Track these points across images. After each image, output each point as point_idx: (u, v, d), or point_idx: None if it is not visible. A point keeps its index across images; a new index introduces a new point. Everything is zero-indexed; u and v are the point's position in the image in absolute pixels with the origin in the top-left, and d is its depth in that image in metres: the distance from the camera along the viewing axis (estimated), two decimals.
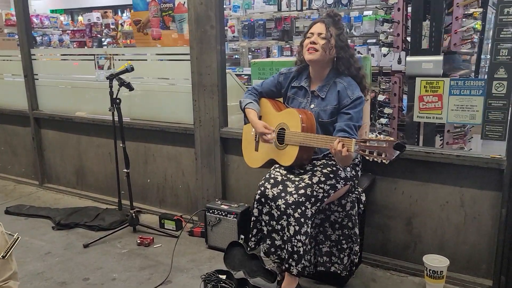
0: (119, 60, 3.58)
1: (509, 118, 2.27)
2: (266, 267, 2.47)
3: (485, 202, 2.39)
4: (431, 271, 2.37)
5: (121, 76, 3.07)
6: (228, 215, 2.93)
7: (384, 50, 2.87)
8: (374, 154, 1.89)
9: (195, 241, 3.16)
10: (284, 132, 2.33)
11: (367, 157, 1.93)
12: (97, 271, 2.77)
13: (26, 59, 4.15)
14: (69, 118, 4.02)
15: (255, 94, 2.54)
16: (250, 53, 5.76)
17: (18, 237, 1.99)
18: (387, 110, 2.84)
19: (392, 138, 1.89)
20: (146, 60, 3.59)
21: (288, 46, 4.99)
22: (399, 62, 3.29)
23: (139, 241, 3.13)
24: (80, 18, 10.10)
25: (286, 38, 4.89)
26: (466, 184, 2.43)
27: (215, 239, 3.01)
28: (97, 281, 2.65)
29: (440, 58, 2.62)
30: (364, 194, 2.43)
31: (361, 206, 2.41)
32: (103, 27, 10.19)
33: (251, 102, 2.49)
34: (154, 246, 3.10)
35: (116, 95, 3.08)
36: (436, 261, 2.40)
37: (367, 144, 1.92)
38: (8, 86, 4.51)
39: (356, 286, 2.53)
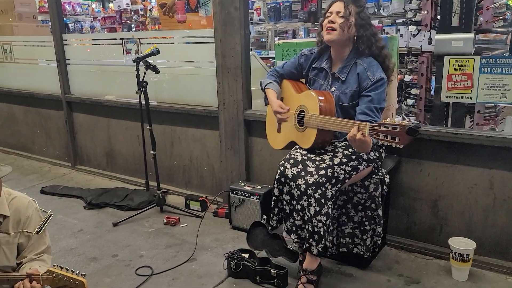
0: (147, 43, 3.64)
1: None
2: (288, 246, 2.49)
3: None
4: (457, 254, 2.33)
5: (147, 59, 3.12)
6: (251, 196, 2.95)
7: (412, 28, 2.78)
8: (388, 138, 1.84)
9: (219, 221, 3.22)
10: (304, 114, 2.31)
11: (381, 141, 1.89)
12: (126, 248, 2.87)
13: (58, 44, 4.28)
14: (98, 102, 4.13)
15: (276, 75, 2.53)
16: (276, 36, 5.71)
17: (51, 214, 2.09)
18: (414, 91, 2.77)
19: (405, 123, 1.82)
20: (172, 43, 3.61)
21: (315, 28, 4.91)
22: (430, 42, 3.18)
23: (165, 221, 3.21)
24: (111, 5, 10.26)
25: (312, 19, 4.81)
26: (496, 166, 2.35)
27: (238, 220, 3.05)
28: (125, 258, 2.75)
29: (471, 35, 2.52)
30: (388, 176, 2.40)
31: (384, 187, 2.38)
32: (133, 13, 10.35)
33: (271, 83, 2.48)
34: (180, 226, 3.17)
35: (143, 78, 3.13)
36: (462, 244, 2.35)
37: (381, 128, 1.86)
38: (42, 71, 4.67)
39: (379, 268, 2.52)
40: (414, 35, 3.41)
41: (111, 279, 2.51)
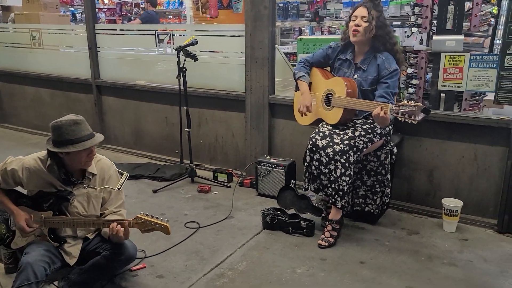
0: (179, 35, 4.12)
1: None
2: (314, 204, 3.05)
3: (494, 156, 2.93)
4: (448, 210, 2.93)
5: (187, 48, 3.61)
6: (277, 167, 3.50)
7: (414, 30, 3.36)
8: (406, 116, 2.42)
9: (245, 190, 3.74)
10: (331, 96, 2.87)
11: (399, 118, 2.46)
12: (170, 209, 3.38)
13: (90, 33, 4.70)
14: (129, 86, 4.59)
15: (307, 66, 3.07)
16: (281, 32, 6.25)
17: (128, 175, 2.56)
18: (414, 81, 3.36)
19: (420, 104, 2.41)
20: (205, 36, 4.10)
21: (319, 26, 5.47)
22: (421, 42, 3.77)
23: (199, 189, 3.72)
24: None
25: (317, 19, 5.36)
26: (480, 141, 2.96)
27: (264, 188, 3.59)
28: (172, 216, 3.25)
29: (461, 37, 3.12)
30: (396, 147, 2.98)
31: (393, 156, 2.96)
32: (133, 6, 10.71)
33: (304, 76, 3.02)
34: (212, 193, 3.69)
35: (183, 65, 3.63)
36: (452, 202, 2.96)
37: (400, 108, 2.45)
38: (70, 57, 5.08)
39: (385, 224, 3.10)
40: (408, 36, 4.00)
41: None
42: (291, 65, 4.14)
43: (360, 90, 2.84)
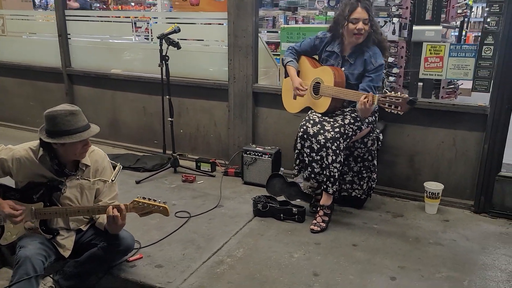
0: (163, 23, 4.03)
1: (493, 75, 2.94)
2: (304, 191, 3.11)
3: (472, 140, 3.10)
4: (430, 193, 3.08)
5: (169, 36, 3.55)
6: (263, 156, 3.53)
7: (395, 20, 3.47)
8: (392, 107, 2.51)
9: (230, 179, 3.74)
10: (319, 85, 2.92)
11: (386, 109, 2.55)
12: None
13: (60, 19, 4.50)
14: (104, 75, 4.44)
15: (294, 53, 3.10)
16: None
17: (121, 166, 2.50)
18: (395, 70, 3.48)
19: (406, 95, 2.51)
20: (185, 23, 4.02)
21: (294, 16, 5.51)
22: (394, 33, 3.89)
23: (184, 179, 3.69)
24: None
25: (292, 8, 5.39)
26: (458, 127, 3.12)
27: (250, 176, 3.61)
28: None
29: (440, 27, 3.26)
30: (381, 134, 3.09)
31: (379, 143, 3.07)
32: None
33: (292, 61, 3.05)
34: (198, 183, 3.67)
35: (165, 53, 3.56)
36: (433, 185, 3.11)
37: (387, 98, 2.54)
38: (30, 44, 4.83)
39: (371, 207, 3.21)
40: (381, 26, 4.12)
41: (155, 221, 2.96)
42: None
43: (347, 83, 2.89)
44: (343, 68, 2.92)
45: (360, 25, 2.76)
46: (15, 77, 5.06)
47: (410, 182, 3.37)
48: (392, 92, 2.56)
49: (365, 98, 2.58)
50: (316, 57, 3.11)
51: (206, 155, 4.14)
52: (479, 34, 3.00)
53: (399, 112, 2.51)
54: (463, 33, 4.37)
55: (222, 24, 3.80)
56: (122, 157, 4.19)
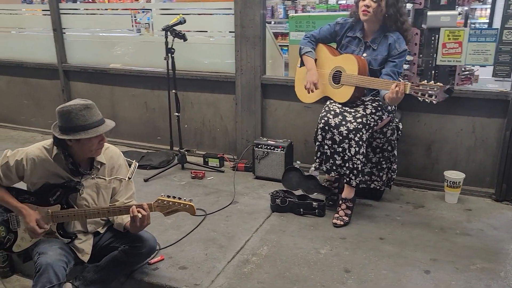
0: (163, 14, 3.87)
1: None
2: (323, 184, 3.01)
3: (492, 127, 3.04)
4: (451, 182, 3.01)
5: (174, 28, 3.39)
6: (275, 149, 3.41)
7: (409, 6, 3.38)
8: (426, 96, 2.43)
9: (241, 174, 3.62)
10: (340, 74, 2.81)
11: (419, 98, 2.46)
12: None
13: (55, 13, 4.29)
14: (103, 70, 4.26)
15: (313, 41, 2.97)
16: None
17: (137, 163, 2.37)
18: (409, 57, 3.39)
19: (441, 84, 2.42)
20: (189, 14, 3.86)
21: (293, 5, 5.38)
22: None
23: (193, 175, 3.55)
24: None
25: None
26: (478, 114, 3.05)
27: (262, 171, 3.49)
28: None
29: (456, 12, 3.17)
30: (401, 123, 3.00)
31: (399, 132, 2.98)
32: None
33: (311, 51, 2.93)
34: (207, 179, 3.54)
35: (171, 46, 3.40)
36: (454, 174, 3.04)
37: (420, 87, 2.45)
38: (22, 39, 4.61)
39: (390, 199, 3.13)
40: None
41: (171, 220, 2.83)
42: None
43: (369, 69, 2.80)
44: (364, 54, 2.82)
45: (367, 1, 2.68)
46: (4, 74, 4.83)
47: (426, 172, 3.30)
48: (425, 81, 2.48)
49: (396, 87, 2.49)
50: (334, 45, 3.00)
51: (213, 150, 4.01)
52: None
53: (433, 101, 2.43)
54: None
55: (228, 14, 3.65)
56: (125, 154, 3.92)
